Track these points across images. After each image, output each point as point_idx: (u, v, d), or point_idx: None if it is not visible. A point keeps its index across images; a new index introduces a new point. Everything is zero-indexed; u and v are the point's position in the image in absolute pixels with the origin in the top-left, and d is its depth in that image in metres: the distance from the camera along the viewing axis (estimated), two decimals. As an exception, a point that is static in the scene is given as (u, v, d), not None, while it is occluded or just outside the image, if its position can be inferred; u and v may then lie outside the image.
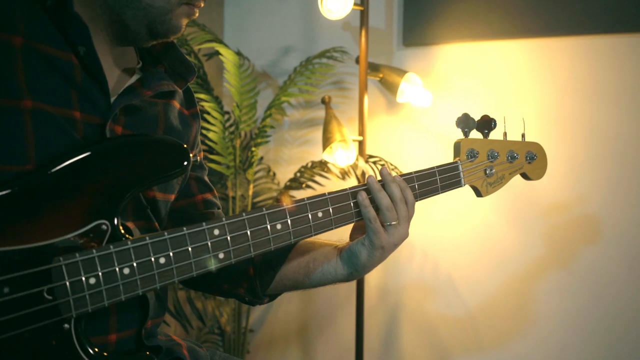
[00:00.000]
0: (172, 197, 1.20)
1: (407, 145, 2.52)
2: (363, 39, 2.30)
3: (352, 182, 2.34)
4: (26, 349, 0.89)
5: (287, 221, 1.09)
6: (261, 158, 2.67)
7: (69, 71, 0.98)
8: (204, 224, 1.01)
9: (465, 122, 1.29)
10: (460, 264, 2.45)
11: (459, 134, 1.31)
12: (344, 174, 2.35)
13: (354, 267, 1.17)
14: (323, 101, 2.39)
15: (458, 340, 2.46)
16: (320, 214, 1.13)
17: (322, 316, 2.72)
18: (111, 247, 0.94)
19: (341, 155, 2.26)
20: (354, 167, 2.27)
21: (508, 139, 1.35)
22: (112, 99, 1.04)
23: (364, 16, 2.30)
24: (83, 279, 0.91)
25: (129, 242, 0.95)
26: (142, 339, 1.08)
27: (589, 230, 2.25)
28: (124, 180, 0.98)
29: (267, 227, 1.07)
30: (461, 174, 1.28)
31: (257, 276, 1.24)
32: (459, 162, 1.28)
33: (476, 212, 2.40)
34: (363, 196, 1.12)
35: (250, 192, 2.46)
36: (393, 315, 2.57)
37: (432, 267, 2.50)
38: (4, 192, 0.89)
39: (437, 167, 1.25)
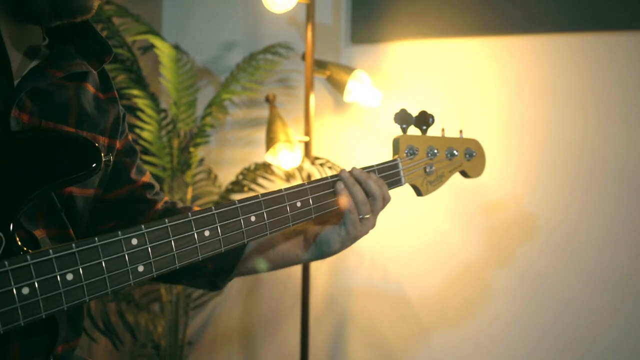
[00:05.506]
0: (92, 192, 1.06)
1: (354, 147, 2.42)
2: (309, 34, 2.18)
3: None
4: None
5: (216, 227, 0.97)
6: (202, 160, 2.52)
7: None
8: (119, 232, 0.88)
9: (403, 118, 1.23)
10: (408, 268, 2.37)
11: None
12: (289, 177, 2.23)
13: (320, 253, 1.15)
14: (267, 99, 2.26)
15: (406, 345, 2.38)
16: (253, 218, 1.02)
17: (266, 325, 2.59)
18: (6, 263, 0.79)
19: (286, 156, 2.13)
20: (300, 169, 2.15)
21: (447, 135, 1.30)
22: (16, 82, 0.90)
23: (310, 10, 2.19)
24: (-30, 302, 0.76)
25: (29, 257, 0.81)
26: (51, 367, 0.93)
27: (528, 228, 2.23)
28: (21, 184, 0.83)
29: (194, 234, 0.95)
30: (401, 172, 1.22)
31: (216, 271, 1.18)
32: (398, 159, 1.22)
33: (422, 214, 2.32)
34: (341, 186, 1.11)
35: (189, 196, 2.31)
36: (340, 324, 2.46)
37: (380, 273, 2.41)
38: None
39: (377, 165, 1.18)
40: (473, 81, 2.28)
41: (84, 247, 0.85)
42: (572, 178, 2.19)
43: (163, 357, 2.23)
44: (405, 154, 1.23)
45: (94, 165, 0.88)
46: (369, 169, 1.17)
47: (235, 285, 2.60)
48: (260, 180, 2.29)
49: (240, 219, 1.01)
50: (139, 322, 2.17)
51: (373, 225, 1.15)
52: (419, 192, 1.27)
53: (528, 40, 2.22)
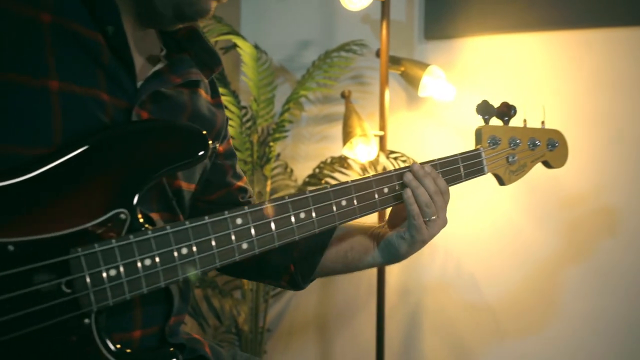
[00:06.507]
0: (194, 187, 1.15)
1: (428, 141, 2.46)
2: (384, 31, 2.24)
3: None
4: (45, 346, 0.84)
5: (310, 210, 1.05)
6: (278, 154, 2.62)
7: (96, 51, 0.94)
8: (226, 212, 0.96)
9: (485, 109, 1.26)
10: (483, 262, 2.39)
11: (482, 128, 1.27)
12: (364, 170, 2.29)
13: (391, 256, 1.17)
14: (343, 95, 2.33)
15: (480, 339, 2.40)
16: (344, 203, 1.08)
17: (341, 316, 2.66)
18: (131, 237, 0.89)
19: (362, 150, 2.20)
20: (375, 162, 2.21)
21: (528, 126, 1.32)
22: (139, 84, 1.00)
23: (385, 8, 2.25)
24: (103, 270, 0.87)
25: (150, 232, 0.91)
26: (165, 336, 1.03)
27: (608, 223, 2.20)
28: (142, 167, 0.93)
29: (290, 216, 1.03)
30: (484, 161, 1.25)
31: (297, 272, 1.24)
32: (481, 149, 1.25)
33: (497, 208, 2.33)
34: (409, 194, 1.11)
35: (268, 189, 2.41)
36: (414, 316, 2.51)
37: (454, 266, 2.44)
38: (20, 179, 0.84)
39: (460, 154, 1.22)
40: (547, 75, 2.28)
41: (196, 224, 0.94)
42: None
43: (244, 342, 2.34)
44: (487, 144, 1.25)
45: (201, 152, 0.97)
46: (452, 158, 1.20)
47: (311, 277, 2.69)
48: (336, 174, 2.37)
49: (332, 203, 1.08)
50: (223, 308, 2.29)
51: (444, 223, 1.16)
52: (501, 182, 1.29)
53: (601, 34, 2.21)
